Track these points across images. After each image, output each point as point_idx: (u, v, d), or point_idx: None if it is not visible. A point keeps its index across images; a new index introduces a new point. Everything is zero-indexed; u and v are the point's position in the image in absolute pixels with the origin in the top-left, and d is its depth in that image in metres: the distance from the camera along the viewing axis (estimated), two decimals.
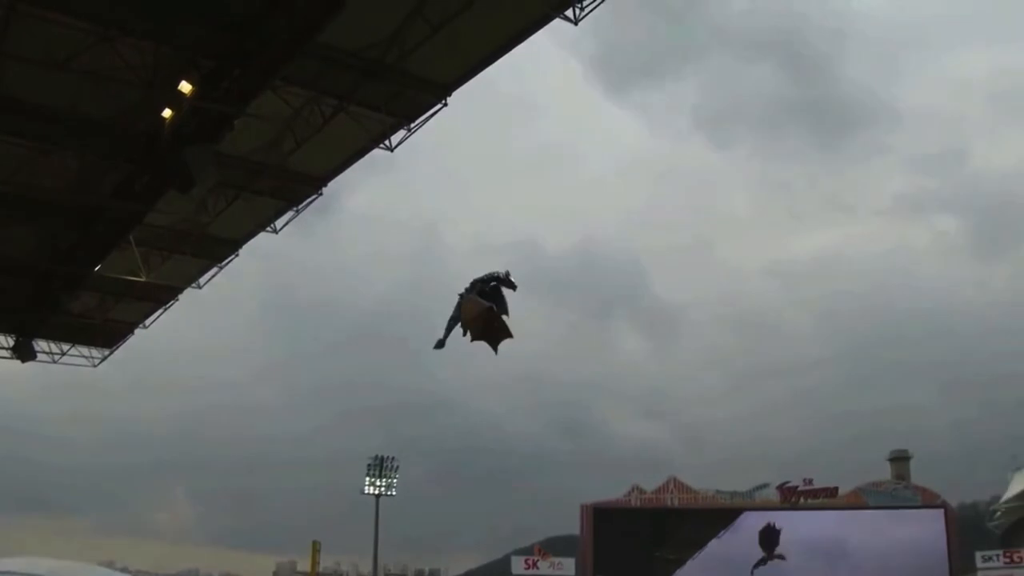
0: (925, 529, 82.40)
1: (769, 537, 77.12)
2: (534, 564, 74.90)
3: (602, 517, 77.48)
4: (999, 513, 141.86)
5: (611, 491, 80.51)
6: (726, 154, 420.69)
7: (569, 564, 75.84)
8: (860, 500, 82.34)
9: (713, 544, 77.37)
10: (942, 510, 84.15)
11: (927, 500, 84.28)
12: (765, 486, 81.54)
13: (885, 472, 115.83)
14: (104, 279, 24.51)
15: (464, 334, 21.05)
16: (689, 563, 77.18)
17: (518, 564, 75.92)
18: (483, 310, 19.92)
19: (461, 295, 20.58)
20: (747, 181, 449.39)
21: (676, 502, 78.78)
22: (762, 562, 77.76)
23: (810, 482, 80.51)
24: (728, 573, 76.88)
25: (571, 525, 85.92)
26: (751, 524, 78.26)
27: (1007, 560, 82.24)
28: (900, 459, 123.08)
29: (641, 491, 78.67)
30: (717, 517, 79.28)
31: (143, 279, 24.07)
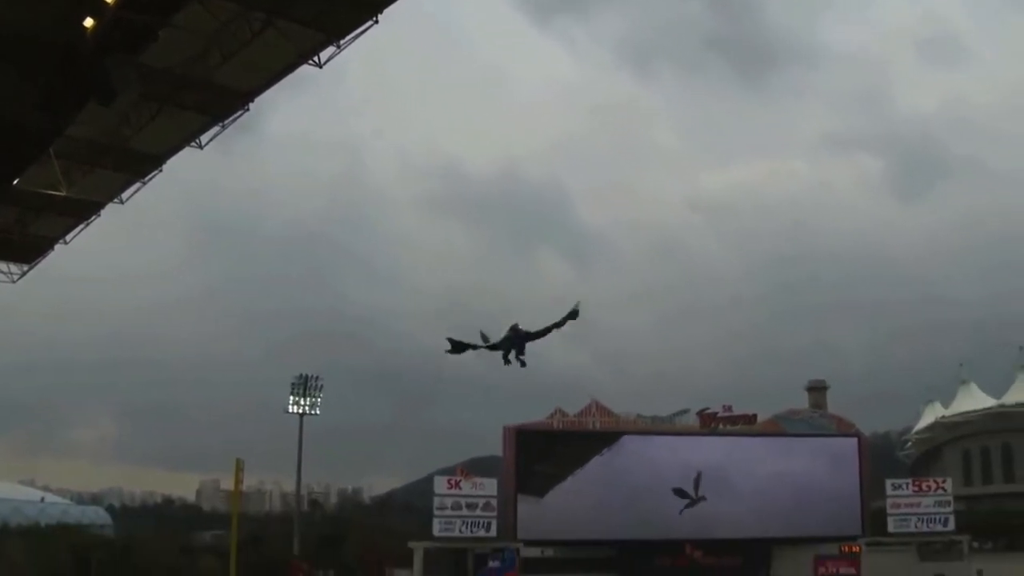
0: (839, 457, 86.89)
1: (695, 481, 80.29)
2: (456, 484, 76.46)
3: (524, 439, 79.70)
4: (910, 443, 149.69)
5: (534, 414, 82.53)
6: (650, 87, 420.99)
7: (491, 484, 77.71)
8: (778, 427, 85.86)
9: (595, 461, 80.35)
10: (856, 439, 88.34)
11: (842, 429, 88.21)
12: (685, 411, 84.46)
13: (803, 401, 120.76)
14: (23, 193, 24.19)
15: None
16: (569, 479, 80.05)
17: (441, 484, 77.31)
18: None
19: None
20: (671, 115, 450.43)
21: (597, 425, 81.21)
22: (691, 504, 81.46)
23: (729, 409, 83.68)
24: (605, 490, 79.93)
25: (494, 447, 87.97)
26: (634, 447, 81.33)
27: (915, 488, 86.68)
28: (817, 389, 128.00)
29: (563, 414, 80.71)
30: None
31: (63, 193, 23.97)
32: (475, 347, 24.32)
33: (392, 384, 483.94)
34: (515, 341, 24.65)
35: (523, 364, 25.43)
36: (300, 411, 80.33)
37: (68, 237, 28.01)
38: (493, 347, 25.09)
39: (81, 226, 27.51)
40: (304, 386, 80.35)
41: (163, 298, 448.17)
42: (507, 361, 25.18)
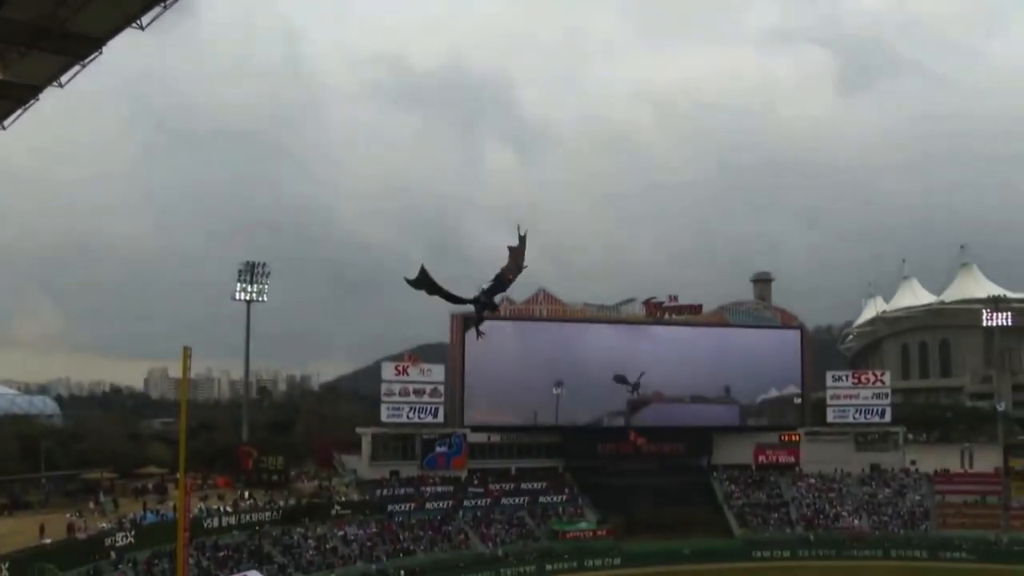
0: (782, 348, 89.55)
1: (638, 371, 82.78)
2: (404, 370, 77.25)
3: (470, 326, 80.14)
4: (851, 337, 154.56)
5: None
6: None
7: (438, 370, 78.62)
8: (722, 318, 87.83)
9: (541, 349, 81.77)
10: (799, 331, 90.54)
11: (785, 321, 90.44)
12: (631, 301, 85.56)
13: (748, 294, 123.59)
14: None
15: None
16: (515, 366, 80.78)
17: (388, 370, 77.98)
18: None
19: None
20: (617, 4, 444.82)
21: (544, 313, 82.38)
22: (633, 391, 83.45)
23: (675, 299, 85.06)
24: (551, 377, 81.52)
25: (441, 334, 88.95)
26: (580, 336, 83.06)
27: (855, 381, 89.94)
28: (762, 281, 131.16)
29: (511, 302, 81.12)
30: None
31: (0, 77, 23.82)
32: (443, 293, 24.83)
33: (337, 273, 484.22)
34: (489, 293, 25.42)
35: (494, 307, 26.44)
36: (247, 298, 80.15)
37: (6, 123, 27.75)
38: (460, 300, 25.78)
39: (19, 111, 27.31)
40: (251, 273, 79.98)
41: (105, 188, 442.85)
42: (480, 317, 26.05)
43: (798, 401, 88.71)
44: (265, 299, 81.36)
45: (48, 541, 46.87)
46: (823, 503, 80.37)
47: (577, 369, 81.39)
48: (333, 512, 65.74)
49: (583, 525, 73.59)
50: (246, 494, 64.48)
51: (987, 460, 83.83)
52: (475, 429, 79.59)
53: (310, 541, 60.91)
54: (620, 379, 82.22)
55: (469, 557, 66.26)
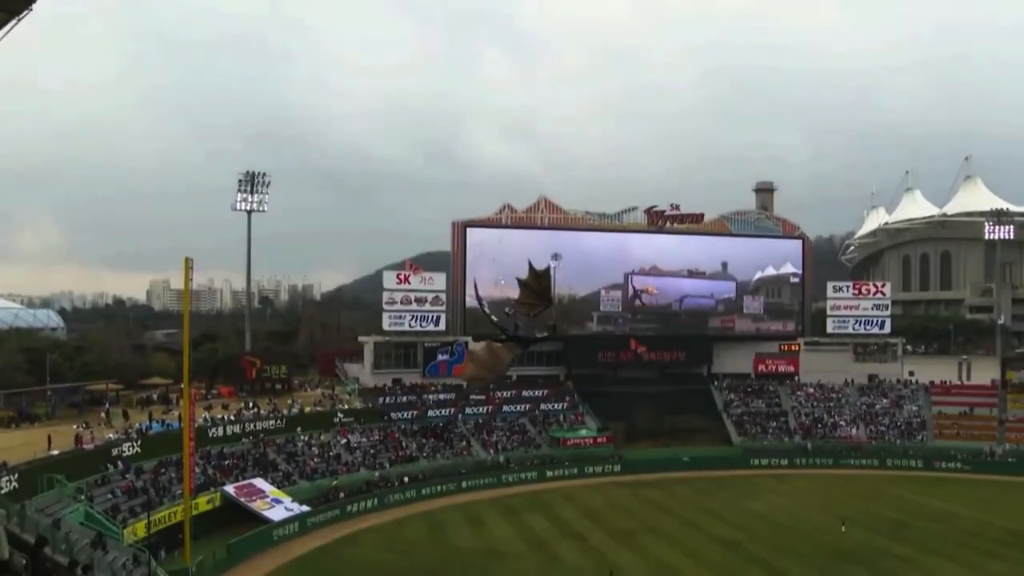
0: (783, 258, 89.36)
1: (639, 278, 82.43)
2: (406, 279, 77.06)
3: (472, 234, 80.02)
4: (852, 248, 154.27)
5: (482, 211, 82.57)
6: None
7: (440, 279, 78.39)
8: (724, 227, 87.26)
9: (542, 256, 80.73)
10: (800, 241, 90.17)
11: (787, 231, 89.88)
12: (633, 209, 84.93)
13: (750, 204, 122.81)
14: None
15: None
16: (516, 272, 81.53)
17: (390, 279, 77.84)
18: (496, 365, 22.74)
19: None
20: None
21: (546, 221, 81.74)
22: (635, 298, 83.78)
23: (677, 208, 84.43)
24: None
25: (442, 242, 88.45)
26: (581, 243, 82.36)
27: (855, 292, 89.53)
28: (765, 190, 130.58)
29: (512, 210, 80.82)
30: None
31: None
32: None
33: (338, 183, 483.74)
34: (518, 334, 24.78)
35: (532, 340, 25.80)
36: (248, 208, 79.65)
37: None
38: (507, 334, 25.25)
39: (13, 22, 26.38)
40: (251, 183, 79.26)
41: (104, 103, 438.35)
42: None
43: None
44: (266, 209, 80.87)
45: (56, 452, 46.97)
46: (821, 412, 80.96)
47: (579, 277, 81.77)
48: (336, 420, 66.11)
49: (583, 432, 74.20)
50: (250, 403, 64.74)
51: (984, 372, 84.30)
52: (477, 337, 79.54)
53: (313, 448, 61.41)
54: (624, 288, 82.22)
55: (470, 464, 66.95)
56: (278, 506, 50.40)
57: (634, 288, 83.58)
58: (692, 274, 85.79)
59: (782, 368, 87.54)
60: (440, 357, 77.84)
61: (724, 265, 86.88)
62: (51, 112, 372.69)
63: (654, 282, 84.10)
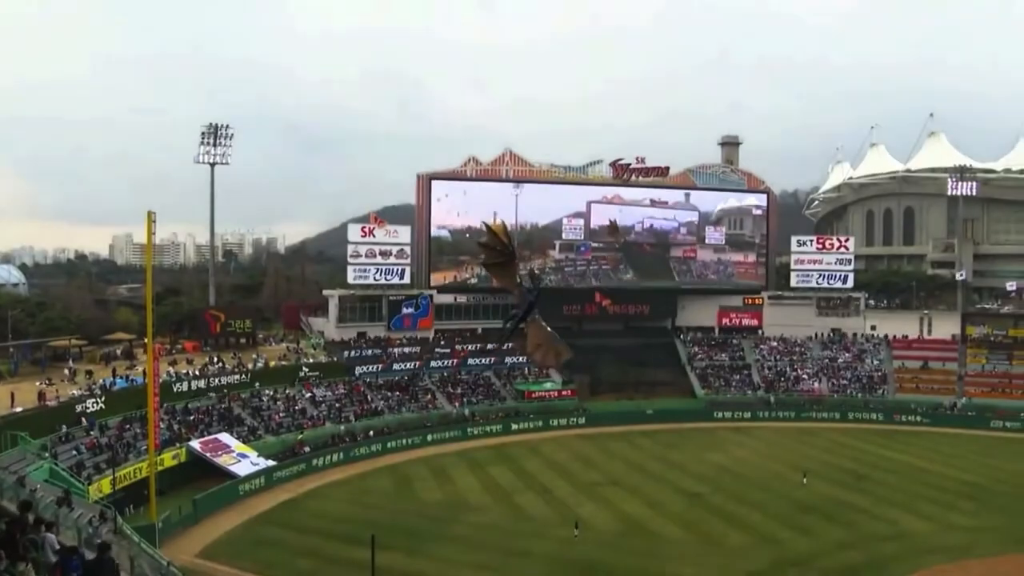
0: (748, 212, 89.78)
1: (614, 229, 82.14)
2: (370, 232, 76.75)
3: (437, 187, 79.76)
4: (816, 202, 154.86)
5: (447, 163, 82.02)
6: None
7: (404, 232, 78.26)
8: (689, 181, 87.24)
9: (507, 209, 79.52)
10: (765, 195, 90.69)
11: (752, 185, 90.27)
12: (599, 162, 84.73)
13: (715, 157, 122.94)
14: None
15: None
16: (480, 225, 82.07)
17: (354, 232, 77.56)
18: (546, 338, 22.96)
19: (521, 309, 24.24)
20: None
21: (511, 174, 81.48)
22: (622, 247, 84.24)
23: (642, 161, 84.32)
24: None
25: (406, 195, 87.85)
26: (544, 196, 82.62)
27: (819, 246, 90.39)
28: (730, 144, 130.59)
29: (477, 162, 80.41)
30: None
31: None
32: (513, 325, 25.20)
33: (302, 135, 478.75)
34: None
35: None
36: (211, 160, 78.27)
37: None
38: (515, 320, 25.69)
39: None
40: (214, 135, 77.74)
41: (62, 54, 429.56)
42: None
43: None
44: (229, 162, 79.58)
45: (19, 409, 46.49)
46: (784, 366, 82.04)
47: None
48: (301, 374, 66.04)
49: (548, 385, 74.71)
50: (214, 358, 64.37)
51: (945, 327, 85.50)
52: (441, 290, 79.71)
53: (279, 403, 61.33)
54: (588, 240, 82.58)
55: (436, 417, 67.16)
56: (244, 461, 50.40)
57: (601, 291, 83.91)
58: (655, 203, 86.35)
59: (746, 322, 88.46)
60: (405, 310, 78.01)
61: (687, 195, 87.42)
62: (9, 64, 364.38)
63: (617, 211, 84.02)
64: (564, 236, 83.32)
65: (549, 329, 24.72)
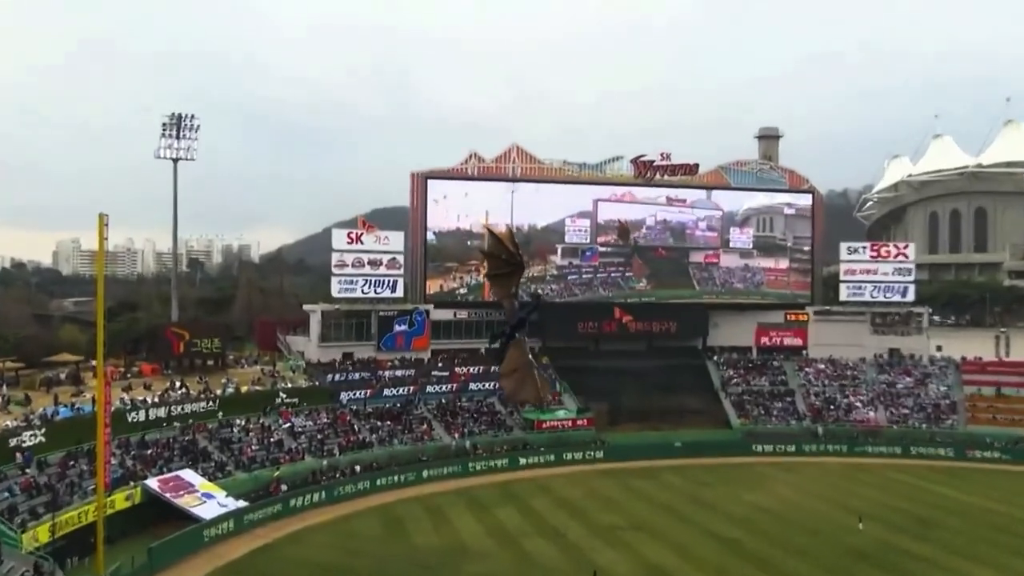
0: (790, 215, 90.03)
1: (622, 232, 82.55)
2: (358, 238, 77.00)
3: (434, 187, 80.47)
4: (870, 203, 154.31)
5: (446, 159, 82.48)
6: None
7: (397, 238, 78.48)
8: (722, 179, 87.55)
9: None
10: (810, 195, 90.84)
11: (795, 184, 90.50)
12: (618, 159, 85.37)
13: (751, 152, 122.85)
14: None
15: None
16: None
17: (340, 238, 77.62)
18: (526, 365, 23.11)
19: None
20: None
21: (519, 172, 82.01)
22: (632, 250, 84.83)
23: (668, 157, 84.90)
24: None
25: (399, 196, 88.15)
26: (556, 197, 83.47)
27: (873, 253, 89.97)
28: (769, 137, 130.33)
29: (480, 159, 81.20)
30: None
31: None
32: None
33: (279, 130, 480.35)
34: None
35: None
36: (173, 155, 78.43)
37: None
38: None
39: None
40: (177, 127, 78.12)
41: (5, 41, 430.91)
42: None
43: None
44: (194, 157, 79.91)
45: None
46: (833, 392, 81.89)
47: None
48: (278, 401, 66.11)
49: (561, 414, 74.62)
50: (177, 383, 64.41)
51: None
52: (439, 304, 79.85)
53: (251, 434, 61.35)
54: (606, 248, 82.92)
55: (432, 450, 67.17)
56: (210, 502, 50.33)
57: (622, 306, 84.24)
58: (672, 201, 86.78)
59: (788, 341, 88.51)
60: (397, 328, 78.30)
61: (708, 193, 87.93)
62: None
63: (628, 210, 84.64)
64: (567, 239, 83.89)
65: (531, 357, 24.73)
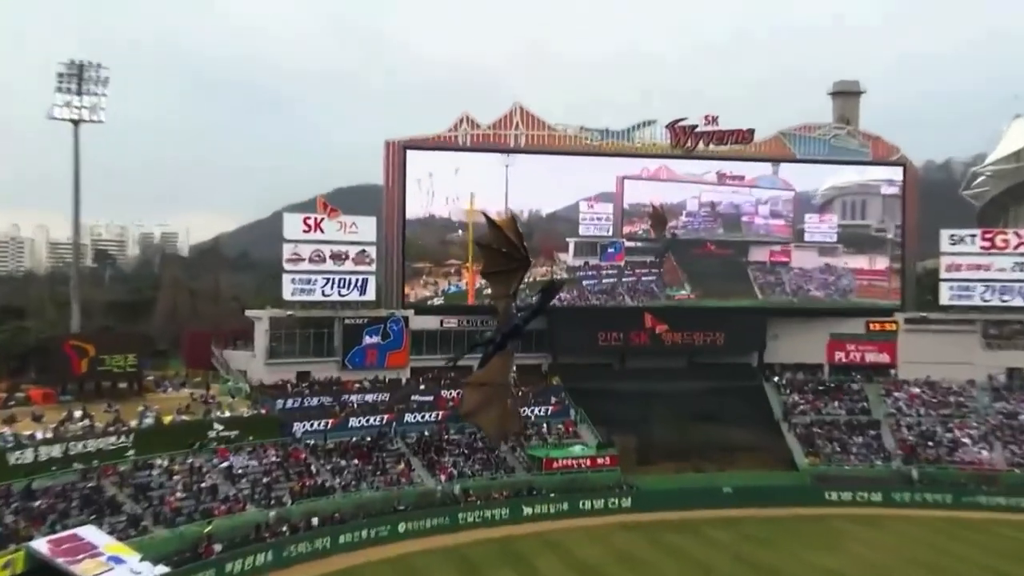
0: (875, 194, 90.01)
1: (658, 219, 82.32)
2: (317, 225, 76.76)
3: (415, 160, 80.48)
4: (981, 178, 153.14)
5: (430, 124, 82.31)
6: None
7: (368, 226, 78.34)
8: (784, 149, 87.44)
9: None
10: (901, 168, 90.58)
11: (881, 154, 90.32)
12: (650, 124, 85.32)
13: (824, 114, 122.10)
14: None
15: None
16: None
17: (293, 224, 77.17)
18: (503, 393, 22.90)
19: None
20: None
21: (523, 140, 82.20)
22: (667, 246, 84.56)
23: (713, 121, 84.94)
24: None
25: (369, 172, 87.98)
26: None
27: (986, 244, 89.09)
28: (847, 94, 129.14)
29: (474, 124, 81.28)
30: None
31: None
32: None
33: (219, 88, 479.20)
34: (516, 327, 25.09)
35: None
36: (73, 116, 77.94)
37: None
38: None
39: None
40: (78, 78, 77.49)
41: None
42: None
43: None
44: (102, 118, 79.44)
45: None
46: (932, 424, 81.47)
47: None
48: (212, 434, 65.69)
49: (577, 450, 74.46)
50: (77, 412, 63.99)
51: None
52: (421, 310, 79.76)
53: (177, 479, 60.89)
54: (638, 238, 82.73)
55: (412, 497, 66.72)
56: (119, 568, 49.80)
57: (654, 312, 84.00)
58: (724, 179, 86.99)
59: (871, 357, 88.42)
60: (368, 340, 78.41)
61: (775, 168, 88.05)
62: None
63: (664, 191, 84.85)
64: (582, 230, 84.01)
65: (513, 378, 24.74)
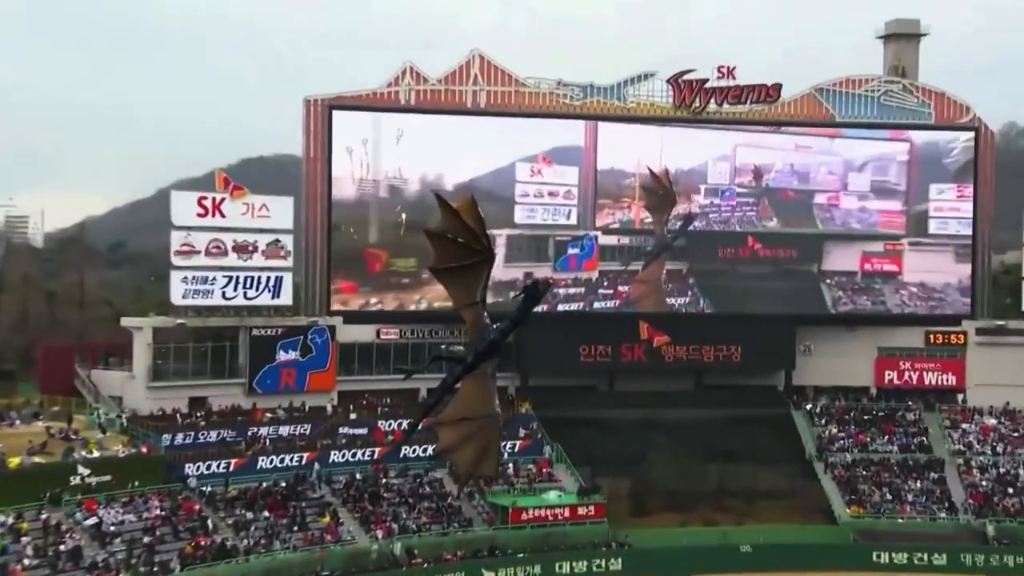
0: (938, 165, 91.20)
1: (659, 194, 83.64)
2: (216, 207, 76.30)
3: (344, 124, 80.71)
4: None
5: (366, 80, 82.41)
6: None
7: (283, 207, 78.35)
8: (822, 112, 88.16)
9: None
10: (972, 133, 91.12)
11: (946, 115, 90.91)
12: (648, 76, 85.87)
13: (873, 64, 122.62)
14: None
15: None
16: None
17: (185, 206, 76.75)
18: (484, 418, 23.61)
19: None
20: None
21: (482, 98, 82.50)
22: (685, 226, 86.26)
23: (729, 74, 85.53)
24: None
25: (289, 140, 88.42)
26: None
27: None
28: (902, 37, 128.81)
29: (420, 78, 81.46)
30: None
31: None
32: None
33: (88, 30, 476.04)
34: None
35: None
36: None
37: None
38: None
39: None
40: None
41: None
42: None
43: (966, 268, 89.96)
44: None
45: None
46: (1013, 466, 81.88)
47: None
48: (75, 481, 65.66)
49: (553, 498, 75.18)
50: None
51: None
52: (352, 318, 79.96)
53: (26, 541, 60.84)
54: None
55: (338, 558, 67.25)
56: None
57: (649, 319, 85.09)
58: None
59: (930, 376, 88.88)
60: (283, 356, 78.54)
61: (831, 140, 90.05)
62: None
63: (683, 153, 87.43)
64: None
65: (497, 406, 25.20)
